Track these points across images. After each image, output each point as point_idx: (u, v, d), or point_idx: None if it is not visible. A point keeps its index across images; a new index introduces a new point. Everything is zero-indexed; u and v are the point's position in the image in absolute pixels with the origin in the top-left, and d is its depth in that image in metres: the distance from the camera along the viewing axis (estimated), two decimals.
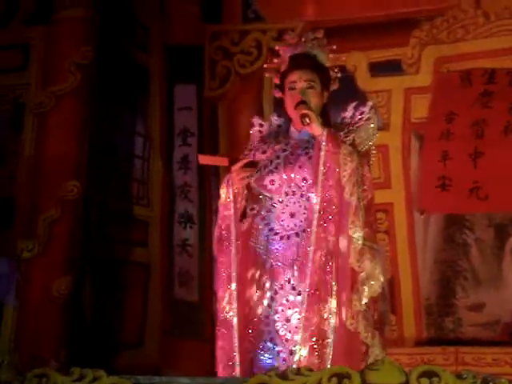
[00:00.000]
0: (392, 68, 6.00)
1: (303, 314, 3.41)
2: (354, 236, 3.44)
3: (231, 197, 3.65)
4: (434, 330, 5.85)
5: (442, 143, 5.90)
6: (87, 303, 5.27)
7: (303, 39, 3.79)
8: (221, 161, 3.83)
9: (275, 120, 3.88)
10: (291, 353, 3.47)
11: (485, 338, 5.82)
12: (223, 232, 3.66)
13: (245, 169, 3.61)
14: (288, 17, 6.32)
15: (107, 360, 5.12)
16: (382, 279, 3.52)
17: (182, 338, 6.10)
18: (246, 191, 3.70)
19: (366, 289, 3.47)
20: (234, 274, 3.59)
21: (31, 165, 5.23)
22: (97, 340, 5.25)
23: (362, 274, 3.47)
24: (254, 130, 3.89)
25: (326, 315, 3.41)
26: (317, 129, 3.53)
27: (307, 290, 3.41)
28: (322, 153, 3.48)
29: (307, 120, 3.53)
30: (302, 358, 3.37)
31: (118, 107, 5.87)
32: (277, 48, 3.86)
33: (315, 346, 3.38)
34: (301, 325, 3.40)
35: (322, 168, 3.48)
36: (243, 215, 3.70)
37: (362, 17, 5.99)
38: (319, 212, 3.46)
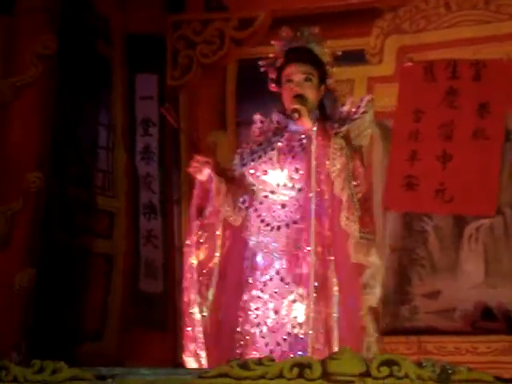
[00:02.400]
0: (355, 58, 6.01)
1: (312, 307, 3.40)
2: (351, 231, 3.45)
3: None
4: (389, 319, 5.85)
5: (410, 143, 5.95)
6: (48, 296, 5.22)
7: (299, 33, 3.79)
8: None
9: (275, 117, 3.86)
10: (278, 344, 3.49)
11: (442, 326, 5.87)
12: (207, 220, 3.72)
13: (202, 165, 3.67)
14: (250, 6, 6.32)
15: (69, 352, 5.10)
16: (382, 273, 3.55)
17: (145, 330, 6.09)
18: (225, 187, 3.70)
19: (378, 284, 3.51)
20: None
21: None
22: (58, 332, 5.23)
23: (371, 270, 3.49)
24: (254, 127, 3.90)
25: (329, 311, 3.42)
26: (307, 123, 3.55)
27: (314, 285, 3.40)
28: (313, 147, 3.49)
29: (296, 115, 3.54)
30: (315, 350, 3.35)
31: (81, 98, 5.84)
32: (272, 42, 3.87)
33: (321, 341, 3.39)
34: (309, 320, 3.40)
35: (314, 162, 3.48)
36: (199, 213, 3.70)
37: (324, 6, 5.98)
38: (315, 207, 3.46)
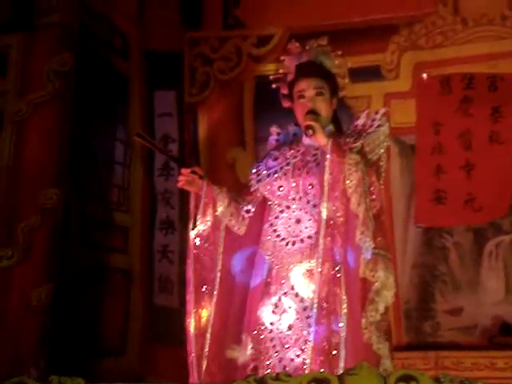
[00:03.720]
0: (371, 74, 6.03)
1: (312, 329, 3.36)
2: (365, 246, 3.41)
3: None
4: (413, 334, 5.88)
5: (434, 157, 5.94)
6: (68, 311, 5.23)
7: (307, 47, 3.78)
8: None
9: (291, 129, 3.88)
10: (292, 360, 3.47)
11: (463, 342, 5.85)
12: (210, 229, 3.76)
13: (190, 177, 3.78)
14: (268, 23, 6.35)
15: (88, 368, 5.09)
16: (394, 289, 3.50)
17: (163, 345, 6.08)
18: (226, 197, 3.72)
19: (382, 299, 3.45)
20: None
21: (10, 173, 5.19)
22: (78, 348, 5.23)
23: (376, 284, 3.44)
24: (271, 139, 3.91)
25: (336, 328, 3.37)
26: (321, 139, 3.52)
27: (315, 303, 3.38)
28: (327, 163, 3.46)
29: (310, 132, 3.52)
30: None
31: (98, 114, 5.85)
32: (282, 58, 3.86)
33: (325, 360, 3.34)
34: (310, 339, 3.36)
35: (328, 178, 3.46)
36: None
37: (341, 23, 6.00)
38: (326, 223, 3.43)
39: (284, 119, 6.24)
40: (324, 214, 3.43)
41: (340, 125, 3.79)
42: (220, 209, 3.73)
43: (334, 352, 3.32)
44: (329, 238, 3.42)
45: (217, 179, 6.42)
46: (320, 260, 3.40)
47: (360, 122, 3.74)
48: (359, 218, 3.42)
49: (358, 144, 3.60)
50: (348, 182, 3.44)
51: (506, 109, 5.87)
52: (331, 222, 3.43)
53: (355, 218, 3.43)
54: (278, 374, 2.80)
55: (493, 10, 6.05)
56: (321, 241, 3.41)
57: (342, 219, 3.44)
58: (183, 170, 3.73)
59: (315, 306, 3.37)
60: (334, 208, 3.44)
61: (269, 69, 6.36)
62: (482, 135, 5.92)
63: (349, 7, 6.11)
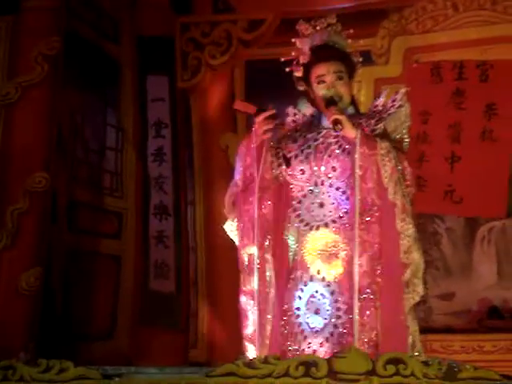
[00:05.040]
0: (362, 58, 6.02)
1: (357, 317, 3.35)
2: (407, 233, 3.40)
3: (255, 144, 3.54)
4: None
5: (418, 145, 5.94)
6: (57, 295, 5.24)
7: (318, 28, 3.70)
8: (250, 109, 3.75)
9: (309, 109, 3.76)
10: (321, 345, 3.44)
11: (454, 327, 5.88)
12: (245, 184, 3.58)
13: (267, 121, 3.50)
14: (258, 8, 6.34)
15: (78, 351, 5.11)
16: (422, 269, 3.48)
17: (156, 329, 6.11)
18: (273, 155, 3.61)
19: (420, 281, 3.43)
20: (255, 231, 3.51)
21: None
22: (67, 331, 5.24)
23: (411, 267, 3.42)
24: (288, 120, 3.79)
25: (377, 315, 3.37)
26: (350, 132, 3.46)
27: (356, 295, 3.36)
28: (357, 156, 3.42)
29: (340, 126, 3.45)
30: None
31: (89, 98, 5.85)
32: (293, 40, 3.73)
33: (367, 346, 3.33)
34: (356, 329, 3.34)
35: (359, 171, 3.42)
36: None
37: (331, 8, 5.97)
38: (360, 216, 3.40)
39: (276, 103, 6.24)
40: (357, 207, 3.41)
41: (357, 106, 3.73)
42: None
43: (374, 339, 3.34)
44: (365, 231, 3.41)
45: (210, 164, 6.51)
46: (357, 252, 3.39)
47: (380, 102, 3.68)
48: (398, 206, 3.40)
49: (381, 125, 3.57)
50: (383, 172, 3.41)
51: (501, 106, 5.88)
52: (366, 214, 3.40)
53: (393, 206, 3.40)
54: (266, 356, 2.81)
55: None
56: (356, 233, 3.40)
57: (378, 210, 3.41)
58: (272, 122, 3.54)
59: (355, 298, 3.36)
60: (369, 200, 3.42)
61: (259, 53, 6.37)
62: (474, 130, 5.93)
63: None
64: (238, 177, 3.64)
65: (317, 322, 3.47)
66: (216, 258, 6.31)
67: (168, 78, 6.50)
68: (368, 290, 3.38)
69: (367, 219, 3.41)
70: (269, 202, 3.59)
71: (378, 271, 3.39)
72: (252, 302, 3.52)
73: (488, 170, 5.83)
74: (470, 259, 6.05)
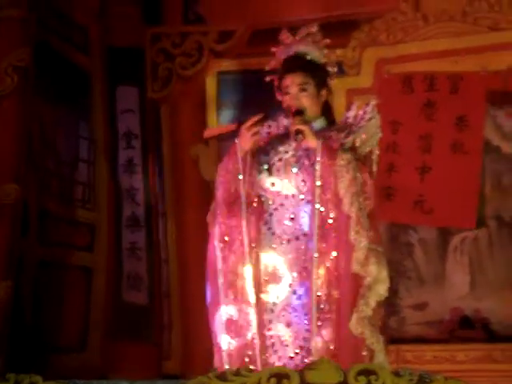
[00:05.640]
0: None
1: (315, 334, 3.38)
2: (360, 246, 3.41)
3: (240, 154, 3.56)
4: None
5: (388, 155, 5.96)
6: (27, 307, 5.19)
7: (297, 37, 3.73)
8: (227, 128, 3.76)
9: (283, 121, 3.79)
10: (291, 358, 3.46)
11: (427, 337, 5.91)
12: (229, 201, 3.59)
13: (256, 125, 3.56)
14: (229, 19, 6.34)
15: (48, 365, 5.07)
16: (388, 283, 3.48)
17: (129, 341, 6.08)
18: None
19: (373, 293, 3.43)
20: (245, 239, 3.54)
21: None
22: (38, 345, 5.19)
23: (368, 279, 3.42)
24: (262, 131, 3.80)
25: (332, 327, 3.39)
26: (312, 142, 3.49)
27: (314, 308, 3.39)
28: (317, 166, 3.44)
29: (300, 136, 3.49)
30: None
31: (60, 110, 5.80)
32: (273, 49, 3.79)
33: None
34: (314, 343, 3.38)
35: (319, 182, 3.44)
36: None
37: (302, 19, 5.98)
38: (319, 227, 3.42)
39: (246, 114, 6.23)
40: (317, 218, 3.42)
41: (332, 115, 3.74)
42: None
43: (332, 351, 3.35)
44: (323, 244, 3.42)
45: (180, 176, 6.49)
46: (315, 263, 3.40)
47: (351, 114, 3.71)
48: (352, 218, 3.40)
49: (350, 139, 3.58)
50: (340, 183, 3.42)
51: (471, 118, 5.91)
52: (324, 225, 3.42)
53: (348, 218, 3.41)
54: (238, 369, 2.81)
55: (453, 6, 6.09)
56: (315, 244, 3.41)
57: (334, 222, 3.43)
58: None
59: (314, 309, 3.39)
60: (327, 211, 3.42)
61: (231, 64, 6.38)
62: (445, 142, 5.95)
63: (310, 3, 6.12)
64: (221, 194, 3.63)
65: (287, 335, 3.47)
66: (188, 270, 6.29)
67: (138, 88, 6.47)
68: (325, 302, 3.39)
69: (326, 231, 3.42)
70: (252, 217, 3.59)
71: (334, 283, 3.40)
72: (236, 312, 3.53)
73: (459, 181, 5.86)
74: (443, 269, 6.08)
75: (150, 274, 6.33)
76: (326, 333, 3.37)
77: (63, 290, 5.60)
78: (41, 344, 5.22)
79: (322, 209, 3.42)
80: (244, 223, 3.53)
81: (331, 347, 3.35)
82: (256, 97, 6.25)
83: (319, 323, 3.37)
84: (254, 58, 6.32)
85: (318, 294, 3.38)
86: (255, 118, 3.56)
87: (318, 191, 3.43)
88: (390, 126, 5.97)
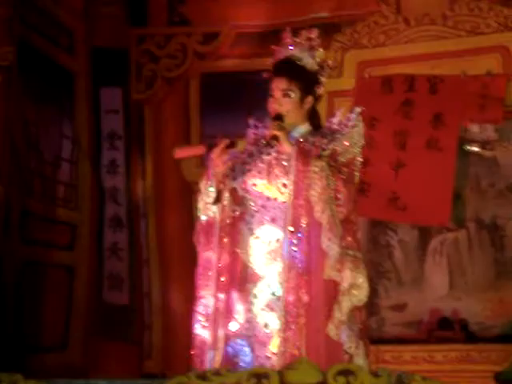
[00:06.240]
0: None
1: (281, 335, 3.38)
2: (332, 253, 3.40)
3: (214, 184, 3.58)
4: None
5: (364, 150, 5.95)
6: (8, 306, 5.19)
7: (297, 40, 3.71)
8: (197, 150, 3.74)
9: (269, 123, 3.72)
10: (268, 357, 3.46)
11: (406, 337, 5.93)
12: (205, 223, 3.60)
13: (226, 151, 3.55)
14: (213, 21, 6.36)
15: (30, 364, 5.07)
16: (367, 288, 3.47)
17: (110, 341, 6.09)
18: (228, 193, 3.62)
19: (347, 298, 3.43)
20: (213, 270, 3.56)
21: None
22: (19, 344, 5.19)
23: (343, 284, 3.42)
24: (249, 132, 3.80)
25: (304, 331, 3.39)
26: (286, 147, 3.50)
27: (282, 310, 3.40)
28: (291, 171, 3.46)
29: (274, 142, 3.50)
30: None
31: (44, 110, 5.80)
32: (273, 47, 3.76)
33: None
34: (280, 344, 3.38)
35: (292, 187, 3.46)
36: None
37: (285, 22, 6.01)
38: (290, 231, 3.43)
39: (230, 116, 6.27)
40: (289, 222, 3.44)
41: (318, 121, 3.74)
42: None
43: (297, 354, 3.34)
44: (294, 248, 3.43)
45: (162, 177, 6.50)
46: (286, 267, 3.42)
47: (335, 120, 3.69)
48: (324, 225, 3.41)
49: (332, 146, 3.58)
50: (312, 189, 3.44)
51: (448, 117, 5.91)
52: (295, 230, 3.43)
53: (319, 225, 3.42)
54: (218, 369, 2.81)
55: (434, 10, 6.13)
56: (285, 249, 3.43)
57: (306, 227, 3.43)
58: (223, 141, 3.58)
59: (282, 313, 3.40)
60: (298, 216, 3.44)
61: (215, 66, 6.40)
62: (420, 139, 5.95)
63: (293, 6, 6.14)
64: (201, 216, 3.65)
65: (265, 335, 3.49)
66: (169, 271, 6.31)
67: (122, 89, 6.49)
68: (293, 306, 3.41)
69: (298, 235, 3.44)
70: (225, 240, 3.61)
71: (305, 287, 3.42)
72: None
73: (433, 178, 5.85)
74: (422, 271, 6.11)
75: (131, 274, 6.34)
76: (292, 336, 3.38)
77: (44, 289, 5.60)
78: (22, 343, 5.22)
79: (295, 213, 3.44)
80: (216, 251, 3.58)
81: (296, 351, 3.37)
82: (239, 98, 6.29)
83: (286, 326, 3.39)
84: (237, 60, 6.36)
85: (290, 298, 3.41)
86: (223, 145, 3.56)
87: (291, 196, 3.47)
88: (367, 121, 5.96)
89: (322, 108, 5.86)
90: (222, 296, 3.57)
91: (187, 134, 6.49)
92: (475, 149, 6.07)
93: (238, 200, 3.67)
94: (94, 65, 6.29)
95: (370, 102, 5.91)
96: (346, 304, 3.43)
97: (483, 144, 6.06)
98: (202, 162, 3.89)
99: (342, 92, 6.06)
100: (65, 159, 6.04)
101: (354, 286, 3.45)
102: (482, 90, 5.90)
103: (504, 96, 5.90)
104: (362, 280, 3.47)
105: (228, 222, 3.63)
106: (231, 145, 3.56)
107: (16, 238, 5.33)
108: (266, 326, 3.51)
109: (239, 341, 3.55)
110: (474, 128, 6.03)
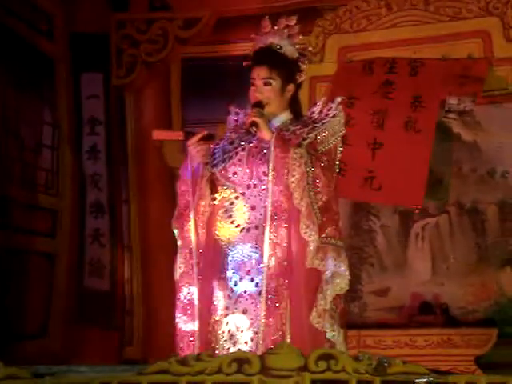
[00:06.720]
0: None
1: (263, 321, 3.38)
2: (311, 239, 3.40)
3: (189, 173, 3.57)
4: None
5: None
6: None
7: (276, 27, 3.67)
8: (176, 135, 3.73)
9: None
10: (246, 343, 3.45)
11: (388, 322, 5.96)
12: (181, 210, 3.60)
13: (202, 141, 3.54)
14: (194, 6, 6.33)
15: (10, 351, 5.05)
16: (348, 276, 3.47)
17: (91, 327, 6.08)
18: (208, 181, 3.60)
19: (331, 287, 3.42)
20: (194, 251, 3.54)
21: None
22: None
23: (326, 273, 3.42)
24: (230, 119, 3.78)
25: (285, 319, 3.40)
26: (266, 134, 3.49)
27: (264, 297, 3.39)
28: (271, 158, 3.44)
29: (254, 128, 3.49)
30: None
31: (24, 96, 5.78)
32: (252, 36, 3.72)
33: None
34: (261, 330, 3.38)
35: (272, 173, 3.45)
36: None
37: (266, 7, 6.00)
38: (271, 218, 3.43)
39: (211, 102, 6.25)
40: (269, 209, 3.44)
41: (300, 109, 3.70)
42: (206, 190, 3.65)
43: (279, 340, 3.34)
44: (274, 234, 3.44)
45: (144, 162, 6.49)
46: (267, 254, 3.41)
47: (316, 109, 3.67)
48: (302, 212, 3.42)
49: (312, 135, 3.58)
50: (291, 176, 3.43)
51: (427, 98, 5.90)
52: (276, 217, 3.44)
53: (298, 212, 3.42)
54: (199, 354, 2.80)
55: None
56: (266, 235, 3.43)
57: (286, 214, 3.44)
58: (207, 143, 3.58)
59: (262, 299, 3.39)
60: (279, 203, 3.45)
61: (196, 51, 6.38)
62: (398, 119, 5.92)
63: None
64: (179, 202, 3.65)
65: (244, 322, 3.50)
66: (151, 257, 6.30)
67: (103, 75, 6.47)
68: (274, 292, 3.41)
69: (278, 222, 3.45)
70: (203, 231, 3.61)
71: (286, 275, 3.42)
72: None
73: (409, 159, 5.81)
74: (405, 256, 6.13)
75: (113, 260, 6.34)
76: (273, 321, 3.40)
77: (25, 276, 5.60)
78: (2, 329, 5.21)
79: (275, 200, 3.45)
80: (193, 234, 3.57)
81: (278, 337, 3.38)
82: (220, 84, 6.28)
83: (268, 312, 3.40)
84: (219, 45, 6.34)
85: (271, 285, 3.42)
86: (200, 135, 3.56)
87: (271, 183, 3.46)
88: (346, 101, 5.96)
89: (304, 93, 5.89)
90: (202, 283, 3.57)
91: (168, 120, 6.48)
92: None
93: (217, 188, 3.67)
94: (74, 50, 6.27)
95: (350, 83, 5.91)
96: (329, 293, 3.43)
97: (460, 113, 6.06)
98: (185, 148, 3.86)
99: (323, 77, 6.05)
100: (45, 145, 6.02)
101: (336, 274, 3.46)
102: (463, 71, 5.90)
103: (485, 77, 5.91)
104: (343, 269, 3.48)
105: (207, 209, 3.63)
106: (209, 137, 3.57)
107: None
108: (244, 312, 3.52)
109: (220, 327, 3.56)
110: (452, 100, 6.03)
